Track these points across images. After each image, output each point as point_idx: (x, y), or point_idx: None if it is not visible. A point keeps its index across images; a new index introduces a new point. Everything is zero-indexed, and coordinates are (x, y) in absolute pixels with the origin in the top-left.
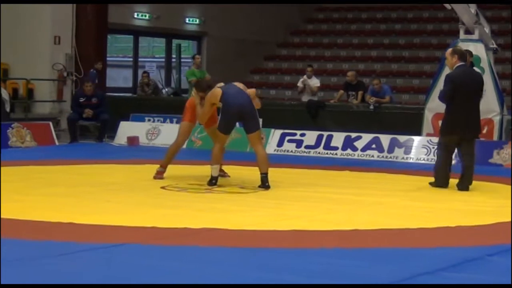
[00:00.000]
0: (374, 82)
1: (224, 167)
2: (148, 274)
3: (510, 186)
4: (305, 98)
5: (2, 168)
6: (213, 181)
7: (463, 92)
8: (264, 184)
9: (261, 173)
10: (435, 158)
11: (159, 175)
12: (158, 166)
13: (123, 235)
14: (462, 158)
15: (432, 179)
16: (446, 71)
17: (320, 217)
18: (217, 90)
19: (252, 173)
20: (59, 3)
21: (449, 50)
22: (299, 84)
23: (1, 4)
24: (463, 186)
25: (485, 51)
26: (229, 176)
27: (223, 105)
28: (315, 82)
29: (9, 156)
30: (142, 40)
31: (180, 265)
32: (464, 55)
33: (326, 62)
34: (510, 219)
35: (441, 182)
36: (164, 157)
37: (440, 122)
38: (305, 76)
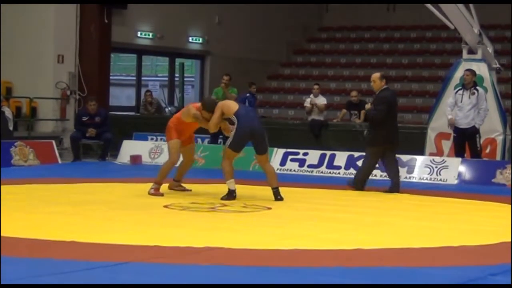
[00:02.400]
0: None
1: (225, 186)
2: None
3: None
4: (313, 117)
5: (5, 186)
6: (234, 194)
7: (391, 111)
8: (277, 197)
9: (272, 189)
10: (437, 177)
11: (156, 191)
12: (153, 183)
13: (126, 254)
14: (388, 172)
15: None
16: (450, 90)
17: (323, 236)
18: (234, 103)
19: (255, 192)
20: (63, 3)
21: (378, 74)
22: (307, 104)
23: (5, 22)
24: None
25: (488, 71)
26: (191, 190)
27: (238, 123)
28: (322, 100)
29: (12, 175)
30: (145, 59)
31: (183, 284)
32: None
33: (329, 82)
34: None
35: (359, 186)
36: (158, 175)
37: (443, 142)
38: (311, 96)
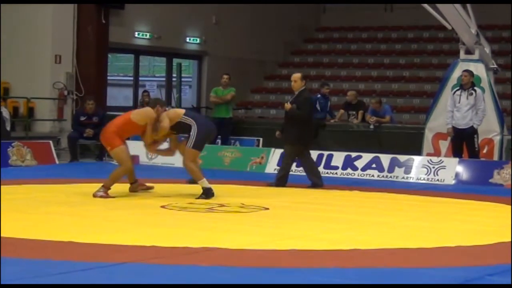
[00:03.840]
0: (372, 101)
1: (225, 186)
2: None
3: (510, 206)
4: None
5: (2, 187)
6: (212, 191)
7: (311, 111)
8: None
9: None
10: (434, 177)
11: (105, 194)
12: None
13: (123, 254)
14: (306, 170)
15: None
16: (447, 91)
17: (320, 236)
18: (179, 109)
19: (252, 193)
20: (60, 3)
21: (299, 74)
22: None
23: (2, 22)
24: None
25: (486, 71)
26: (153, 187)
27: (196, 124)
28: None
29: (9, 175)
30: (143, 59)
31: (180, 284)
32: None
33: (326, 82)
34: (510, 239)
35: (281, 183)
36: (109, 179)
37: (440, 142)
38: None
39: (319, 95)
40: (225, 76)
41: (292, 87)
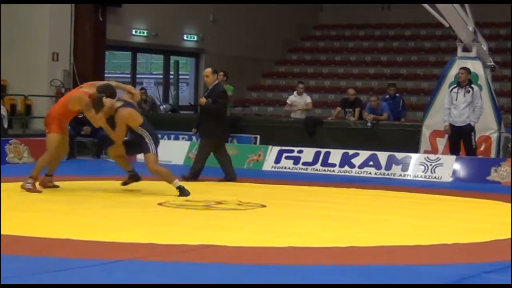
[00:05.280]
0: (372, 98)
1: (222, 184)
2: None
3: (507, 203)
4: (295, 115)
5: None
6: (186, 190)
7: (226, 105)
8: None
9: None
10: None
11: (33, 187)
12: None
13: (120, 252)
14: (223, 165)
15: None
16: (444, 88)
17: (317, 234)
18: (139, 116)
19: (249, 190)
20: (58, 3)
21: (210, 69)
22: (288, 102)
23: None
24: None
25: (483, 69)
26: (59, 187)
27: (147, 131)
28: (306, 99)
29: (7, 172)
30: (140, 56)
31: (177, 282)
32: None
33: (323, 79)
34: (507, 236)
35: (193, 176)
36: (34, 169)
37: (438, 140)
38: (295, 93)
39: (387, 96)
40: (220, 73)
41: (205, 82)
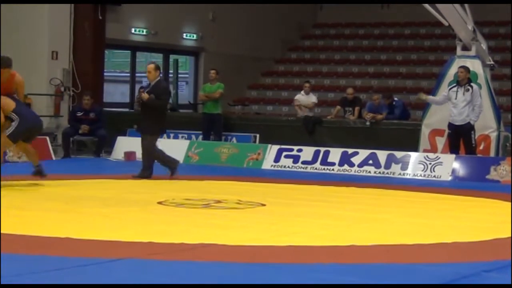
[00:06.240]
0: (374, 97)
1: (221, 183)
2: None
3: (506, 202)
4: (306, 114)
5: None
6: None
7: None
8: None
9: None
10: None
11: None
12: None
13: (120, 250)
14: (160, 160)
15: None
16: (444, 87)
17: (317, 233)
18: (11, 101)
19: (248, 189)
20: (57, 3)
21: (153, 65)
22: (296, 103)
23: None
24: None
25: (482, 68)
26: None
27: (20, 119)
28: (312, 98)
29: (6, 171)
30: (140, 55)
31: (177, 281)
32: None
33: (323, 78)
34: (507, 235)
35: (146, 174)
36: None
37: (437, 138)
38: (302, 92)
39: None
40: (212, 71)
41: (148, 78)
